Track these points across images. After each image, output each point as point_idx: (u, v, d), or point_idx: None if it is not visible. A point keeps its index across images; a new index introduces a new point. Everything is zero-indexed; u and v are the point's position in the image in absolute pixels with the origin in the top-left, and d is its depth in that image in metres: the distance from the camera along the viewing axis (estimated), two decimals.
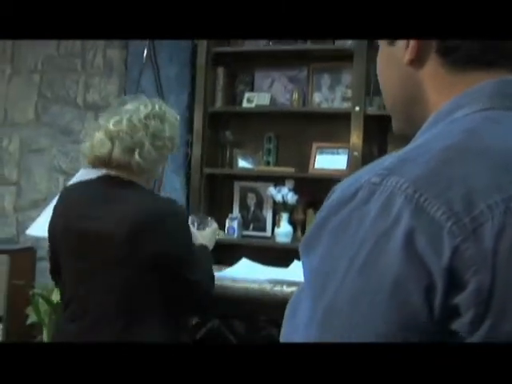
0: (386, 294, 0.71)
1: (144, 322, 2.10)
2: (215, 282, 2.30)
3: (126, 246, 2.06)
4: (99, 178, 2.21)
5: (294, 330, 0.78)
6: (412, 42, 0.86)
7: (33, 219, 3.37)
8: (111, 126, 2.15)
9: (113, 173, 2.19)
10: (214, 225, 2.63)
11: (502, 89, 0.83)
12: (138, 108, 2.19)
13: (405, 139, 0.91)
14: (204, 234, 2.51)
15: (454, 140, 0.77)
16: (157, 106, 2.22)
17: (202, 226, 2.77)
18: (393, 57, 0.90)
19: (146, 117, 2.17)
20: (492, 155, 0.75)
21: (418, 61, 0.87)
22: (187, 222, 2.29)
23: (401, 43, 0.88)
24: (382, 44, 0.93)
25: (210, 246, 2.50)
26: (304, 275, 0.80)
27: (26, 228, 3.36)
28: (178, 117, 2.35)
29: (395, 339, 0.71)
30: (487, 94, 0.82)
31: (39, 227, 3.14)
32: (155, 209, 2.12)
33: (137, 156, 2.14)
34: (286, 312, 0.82)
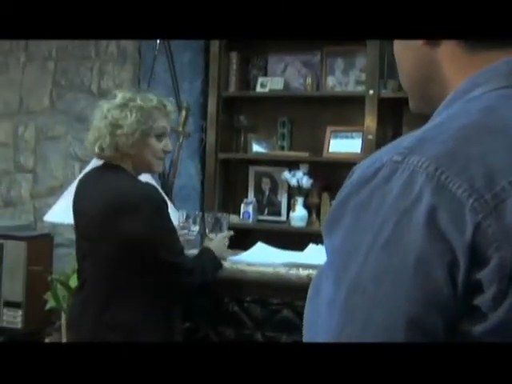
0: (409, 271, 0.72)
1: (124, 302, 2.32)
2: (231, 266, 2.33)
3: (103, 225, 2.33)
4: (102, 164, 2.53)
5: (317, 310, 0.79)
6: None
7: (49, 206, 3.40)
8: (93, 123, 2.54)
9: (107, 159, 2.49)
10: (224, 233, 2.77)
11: None
12: (106, 102, 2.51)
13: (420, 121, 0.92)
14: (212, 244, 2.64)
15: (472, 118, 0.77)
16: (120, 96, 2.46)
17: (216, 225, 2.78)
18: None
19: (108, 109, 2.45)
20: (509, 132, 0.75)
21: (433, 41, 0.87)
22: (162, 207, 2.36)
23: None
24: None
25: (219, 252, 2.60)
26: (326, 255, 0.80)
27: (43, 215, 3.38)
28: (156, 99, 2.48)
29: (419, 317, 0.72)
30: (503, 72, 0.82)
31: (56, 214, 3.17)
32: (129, 192, 2.37)
33: (102, 146, 2.43)
34: (309, 293, 0.83)
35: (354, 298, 0.74)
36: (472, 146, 0.74)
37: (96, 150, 2.45)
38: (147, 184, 2.48)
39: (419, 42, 0.88)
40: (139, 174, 2.51)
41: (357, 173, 0.79)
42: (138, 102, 2.44)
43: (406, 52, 0.92)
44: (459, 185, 0.71)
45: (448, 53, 0.86)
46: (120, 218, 2.30)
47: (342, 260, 0.77)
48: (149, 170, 2.53)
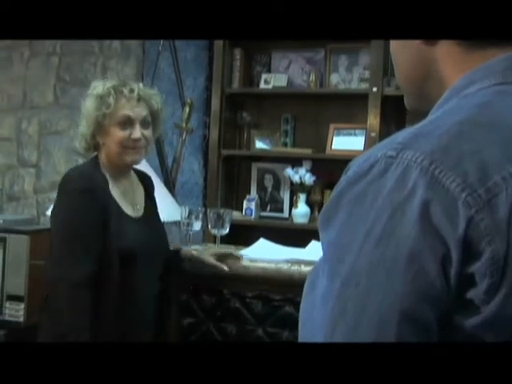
0: (402, 264, 0.72)
1: None
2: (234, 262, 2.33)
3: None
4: None
5: (313, 304, 0.80)
6: None
7: (52, 200, 3.40)
8: None
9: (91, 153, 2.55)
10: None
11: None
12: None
13: (423, 119, 0.93)
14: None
15: (466, 114, 0.78)
16: (91, 88, 2.47)
17: (218, 221, 2.78)
18: None
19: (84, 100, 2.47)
20: (503, 128, 0.76)
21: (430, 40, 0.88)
22: (72, 189, 2.33)
23: None
24: None
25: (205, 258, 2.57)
26: (322, 249, 0.81)
27: (46, 209, 3.40)
28: (113, 85, 2.42)
29: (411, 310, 0.72)
30: (499, 69, 0.84)
31: None
32: (63, 177, 2.43)
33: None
34: (305, 288, 0.83)
35: (348, 291, 0.75)
36: (466, 142, 0.75)
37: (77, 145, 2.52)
38: (76, 167, 2.53)
39: (416, 41, 0.89)
40: (116, 165, 2.44)
41: (352, 168, 0.81)
42: (96, 89, 2.42)
43: (402, 51, 0.94)
44: (453, 179, 0.72)
45: (445, 51, 0.87)
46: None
47: (336, 254, 0.78)
48: (120, 160, 2.42)
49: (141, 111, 2.43)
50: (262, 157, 4.32)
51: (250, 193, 4.30)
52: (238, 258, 2.62)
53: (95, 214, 2.29)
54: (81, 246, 2.27)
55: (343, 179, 0.80)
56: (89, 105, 2.42)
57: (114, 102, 2.38)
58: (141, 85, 2.50)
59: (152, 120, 2.49)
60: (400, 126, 3.94)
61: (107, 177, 2.41)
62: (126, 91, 2.40)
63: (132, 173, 2.56)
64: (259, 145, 4.26)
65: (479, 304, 0.73)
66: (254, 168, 4.32)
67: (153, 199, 2.62)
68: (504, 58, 0.84)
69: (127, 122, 2.39)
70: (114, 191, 2.41)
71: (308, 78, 4.15)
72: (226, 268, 2.54)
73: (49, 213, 3.28)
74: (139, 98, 2.43)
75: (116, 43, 4.34)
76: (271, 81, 4.18)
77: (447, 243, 0.71)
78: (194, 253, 2.59)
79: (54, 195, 3.95)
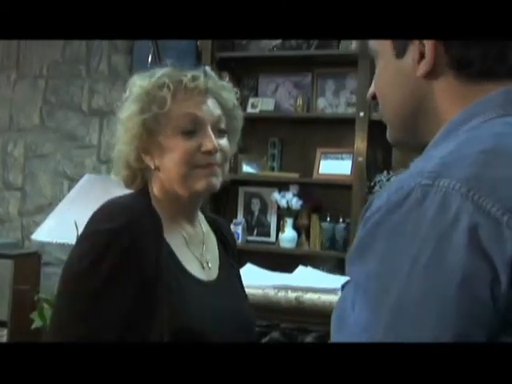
0: (454, 290, 0.74)
1: None
2: None
3: None
4: None
5: (349, 337, 0.79)
6: (428, 54, 0.89)
7: (37, 224, 3.38)
8: None
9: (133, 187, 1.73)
10: None
11: (510, 97, 0.87)
12: None
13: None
14: None
15: (488, 144, 0.81)
16: (129, 84, 1.69)
17: None
18: (402, 69, 0.93)
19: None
20: None
21: (432, 73, 0.90)
22: (105, 252, 1.41)
23: (411, 56, 0.91)
24: (385, 58, 0.95)
25: None
26: (354, 283, 0.81)
27: (31, 233, 3.37)
28: (168, 73, 1.62)
29: (463, 334, 0.74)
30: (499, 102, 0.87)
31: (44, 232, 3.15)
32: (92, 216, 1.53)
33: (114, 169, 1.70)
34: (332, 325, 0.83)
35: (399, 320, 0.76)
36: (495, 170, 0.78)
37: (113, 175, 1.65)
38: (118, 202, 1.52)
39: (414, 74, 0.91)
40: (176, 198, 1.57)
41: (380, 201, 0.81)
42: (139, 83, 1.60)
43: (397, 84, 0.95)
44: (492, 204, 0.75)
45: (444, 85, 0.90)
46: None
47: (380, 284, 0.78)
48: (184, 188, 1.55)
49: (212, 109, 1.59)
50: (249, 181, 4.30)
51: (236, 217, 4.28)
52: None
53: (130, 271, 1.42)
54: (96, 321, 1.40)
55: (372, 213, 0.81)
56: (129, 107, 1.59)
57: (171, 96, 1.55)
58: (208, 68, 1.69)
59: (227, 124, 1.65)
60: (386, 150, 3.94)
61: (161, 218, 1.53)
62: (186, 80, 1.58)
63: (200, 214, 1.72)
64: (246, 169, 4.25)
65: None
66: (241, 192, 4.31)
67: (232, 256, 1.78)
68: (503, 92, 0.87)
69: (193, 127, 1.55)
70: (173, 240, 1.55)
71: (295, 102, 4.16)
72: None
73: (34, 236, 3.25)
74: (207, 90, 1.60)
75: (103, 66, 4.34)
76: (258, 105, 4.18)
77: (496, 266, 0.73)
78: None
79: (39, 218, 3.93)
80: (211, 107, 1.59)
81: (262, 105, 4.18)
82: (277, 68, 4.23)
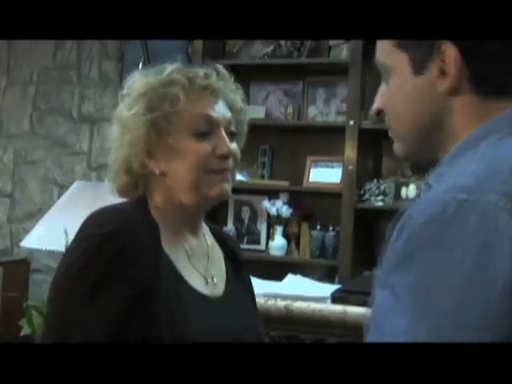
0: (497, 298, 0.77)
1: None
2: None
3: None
4: None
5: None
6: (451, 71, 0.91)
7: (27, 231, 3.36)
8: None
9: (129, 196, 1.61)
10: None
11: None
12: None
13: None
14: None
15: None
16: (128, 81, 1.58)
17: None
18: (420, 86, 0.94)
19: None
20: None
21: (454, 89, 0.92)
22: (96, 258, 1.30)
23: (430, 73, 0.92)
24: (401, 75, 0.96)
25: None
26: (393, 291, 0.82)
27: (20, 240, 3.35)
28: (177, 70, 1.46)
29: (506, 340, 0.76)
30: None
31: (33, 239, 3.13)
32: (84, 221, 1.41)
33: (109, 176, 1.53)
34: (371, 334, 0.84)
35: (443, 331, 0.78)
36: None
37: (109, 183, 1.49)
38: (113, 208, 1.39)
39: (435, 91, 0.92)
40: (181, 207, 1.44)
41: (414, 213, 0.83)
42: (144, 79, 1.48)
43: (412, 100, 0.96)
44: None
45: (462, 102, 0.92)
46: None
47: (421, 296, 0.80)
48: (196, 195, 1.42)
49: (224, 111, 1.50)
50: (239, 188, 4.30)
51: (226, 224, 4.28)
52: None
53: (122, 279, 1.30)
54: (84, 330, 1.30)
55: (409, 224, 0.83)
56: (132, 105, 1.43)
57: (184, 94, 1.41)
58: (220, 67, 1.55)
59: (236, 127, 1.57)
60: (377, 159, 3.95)
61: (161, 227, 1.39)
62: (199, 77, 1.44)
63: (204, 225, 1.58)
64: (236, 176, 4.24)
65: None
66: (231, 200, 4.31)
67: (240, 270, 1.65)
68: None
69: (208, 128, 1.43)
70: (173, 252, 1.42)
71: (286, 110, 4.16)
72: None
73: (23, 243, 3.24)
74: (218, 90, 1.49)
75: (94, 72, 4.34)
76: (249, 112, 4.18)
77: None
78: None
79: (28, 225, 3.91)
80: (223, 108, 1.48)
81: (252, 113, 4.19)
82: (267, 76, 4.24)
